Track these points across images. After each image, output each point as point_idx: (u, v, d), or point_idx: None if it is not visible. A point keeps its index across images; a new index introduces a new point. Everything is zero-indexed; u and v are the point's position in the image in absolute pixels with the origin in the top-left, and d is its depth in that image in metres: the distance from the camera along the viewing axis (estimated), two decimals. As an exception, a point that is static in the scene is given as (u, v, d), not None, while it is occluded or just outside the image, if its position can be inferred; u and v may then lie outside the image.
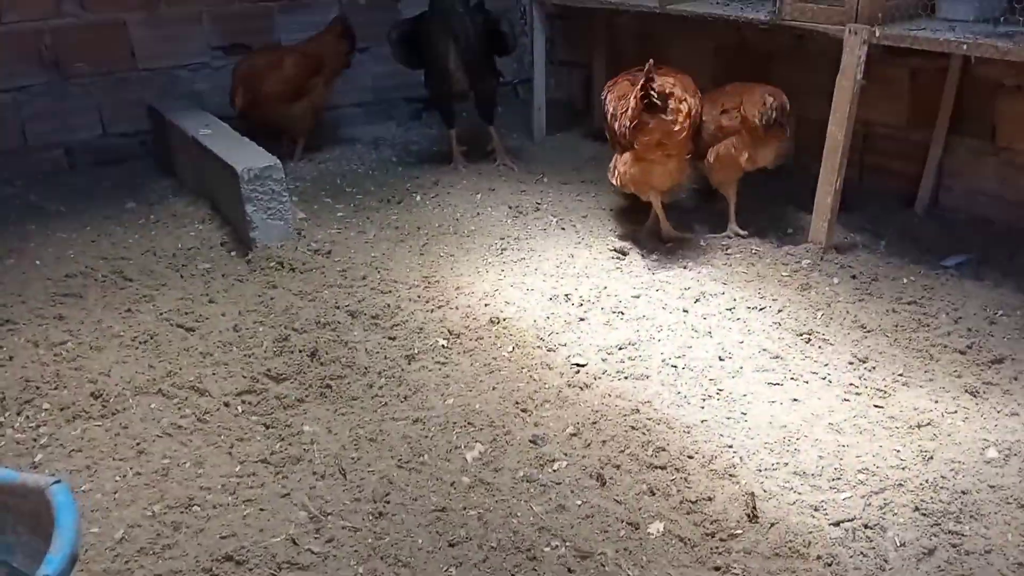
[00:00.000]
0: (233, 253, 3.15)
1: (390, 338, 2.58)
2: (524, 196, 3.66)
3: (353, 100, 4.62)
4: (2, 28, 3.80)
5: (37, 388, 2.32)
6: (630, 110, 2.82)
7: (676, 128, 2.81)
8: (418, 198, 3.70)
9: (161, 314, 2.71)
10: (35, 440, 2.14)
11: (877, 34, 2.71)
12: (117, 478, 1.99)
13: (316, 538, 1.80)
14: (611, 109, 3.03)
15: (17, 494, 1.41)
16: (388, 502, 1.90)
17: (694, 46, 3.89)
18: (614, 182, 3.07)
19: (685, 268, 2.98)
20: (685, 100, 2.85)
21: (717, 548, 1.74)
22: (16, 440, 2.14)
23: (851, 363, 2.37)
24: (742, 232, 3.17)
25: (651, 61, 2.76)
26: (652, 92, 2.74)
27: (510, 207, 3.54)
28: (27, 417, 2.23)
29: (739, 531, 1.78)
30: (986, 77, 2.99)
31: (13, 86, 3.88)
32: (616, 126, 2.96)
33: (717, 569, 1.69)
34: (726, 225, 3.20)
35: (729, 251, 3.08)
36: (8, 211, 3.62)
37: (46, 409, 2.25)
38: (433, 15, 3.78)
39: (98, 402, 2.26)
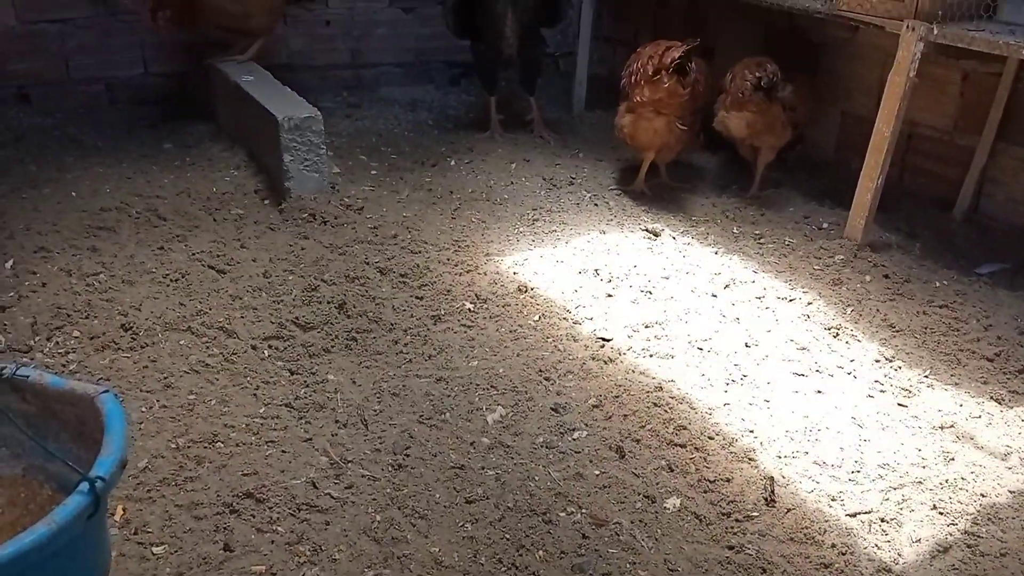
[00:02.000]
0: (267, 201, 3.17)
1: (417, 297, 2.59)
2: (559, 169, 3.65)
3: (394, 60, 4.61)
4: (53, -41, 3.82)
5: (68, 316, 2.36)
6: (656, 61, 3.06)
7: (681, 92, 3.08)
8: (452, 162, 3.69)
9: (193, 254, 2.73)
10: (64, 366, 2.17)
11: (935, 32, 2.67)
12: (143, 409, 2.02)
13: (336, 483, 1.82)
14: (633, 67, 3.23)
15: (64, 400, 1.44)
16: (408, 455, 1.92)
17: (744, 30, 3.85)
18: (617, 135, 3.37)
19: (716, 254, 2.96)
20: (700, 78, 3.18)
21: (732, 528, 1.75)
22: (45, 364, 2.17)
23: (877, 361, 2.36)
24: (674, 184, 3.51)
25: (698, 39, 3.02)
26: (690, 60, 3.04)
27: (544, 179, 3.53)
28: (57, 343, 2.26)
29: (755, 513, 1.78)
30: (1040, 86, 2.95)
31: (60, 17, 3.90)
32: (632, 78, 3.20)
33: (731, 548, 1.69)
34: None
35: (762, 240, 3.06)
36: (47, 142, 3.65)
37: (76, 337, 2.28)
38: None
39: (128, 334, 2.29)
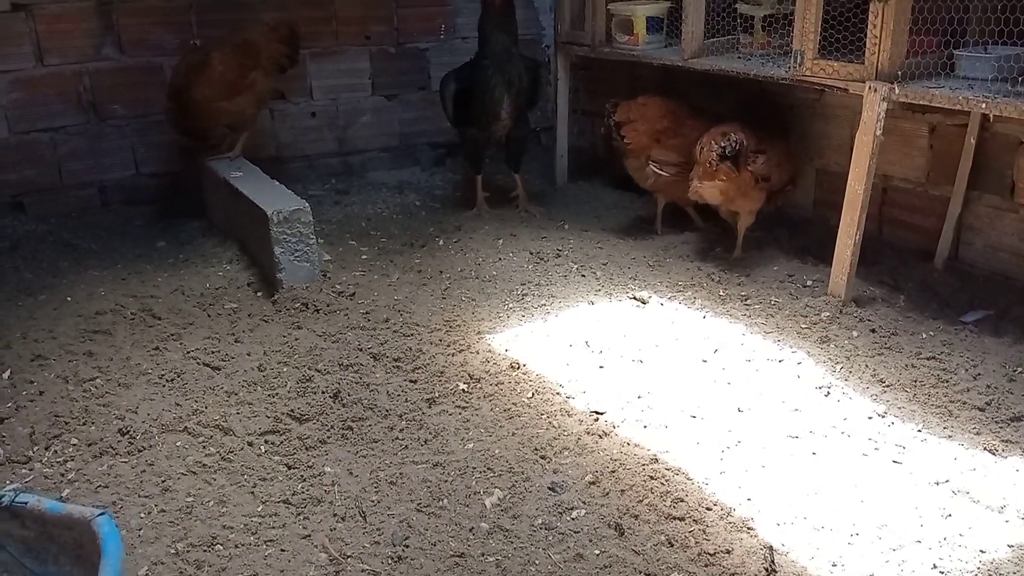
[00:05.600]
0: (259, 293, 3.21)
1: (411, 381, 2.61)
2: (545, 242, 3.71)
3: (380, 145, 4.73)
4: (44, 70, 3.94)
5: (66, 423, 2.38)
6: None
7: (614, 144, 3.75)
8: (441, 242, 3.76)
9: (188, 352, 2.76)
10: (63, 475, 2.19)
11: (896, 91, 2.76)
12: (142, 515, 2.03)
13: (336, 580, 1.82)
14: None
15: (62, 525, 1.46)
16: (407, 546, 1.92)
17: (716, 97, 3.96)
18: None
19: (704, 318, 3.00)
20: (635, 128, 3.68)
21: (734, 602, 1.74)
22: (44, 475, 2.19)
23: (870, 418, 2.38)
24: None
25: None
26: (615, 129, 3.69)
27: (531, 253, 3.59)
28: (55, 452, 2.28)
29: (757, 585, 1.78)
30: (1005, 134, 3.03)
31: (51, 126, 4.01)
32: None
33: (734, 623, 1.69)
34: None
35: (749, 302, 3.10)
36: (42, 248, 3.72)
37: (74, 444, 2.30)
38: (489, 60, 3.79)
39: (125, 439, 2.31)
